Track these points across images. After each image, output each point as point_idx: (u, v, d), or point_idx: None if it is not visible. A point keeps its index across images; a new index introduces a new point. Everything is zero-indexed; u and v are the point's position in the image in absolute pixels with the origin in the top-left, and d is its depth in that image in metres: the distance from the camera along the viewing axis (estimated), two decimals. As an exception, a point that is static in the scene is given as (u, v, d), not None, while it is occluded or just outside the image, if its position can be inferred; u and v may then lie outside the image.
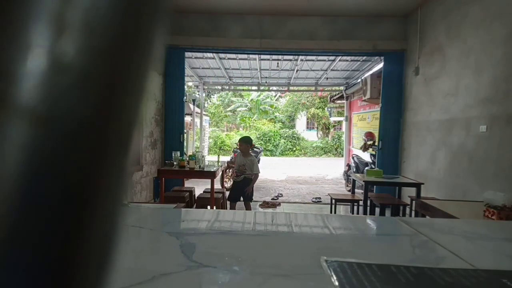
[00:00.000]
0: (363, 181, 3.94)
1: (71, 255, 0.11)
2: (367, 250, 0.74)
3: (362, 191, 4.04)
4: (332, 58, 6.61)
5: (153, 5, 0.12)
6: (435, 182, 4.18)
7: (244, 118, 18.74)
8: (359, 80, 7.96)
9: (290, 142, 17.77)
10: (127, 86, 0.12)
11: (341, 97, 10.54)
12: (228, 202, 4.21)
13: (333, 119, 17.46)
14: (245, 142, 4.14)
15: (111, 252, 0.12)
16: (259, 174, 4.18)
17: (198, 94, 10.29)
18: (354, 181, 4.85)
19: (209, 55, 6.61)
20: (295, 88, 10.96)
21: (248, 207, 4.11)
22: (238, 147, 4.24)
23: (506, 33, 3.03)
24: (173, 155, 4.36)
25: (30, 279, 0.10)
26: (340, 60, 6.86)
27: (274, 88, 12.19)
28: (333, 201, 4.39)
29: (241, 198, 4.11)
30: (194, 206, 4.23)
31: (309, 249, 0.72)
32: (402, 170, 5.18)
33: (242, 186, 4.08)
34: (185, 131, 5.75)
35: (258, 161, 8.17)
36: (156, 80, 5.12)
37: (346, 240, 0.82)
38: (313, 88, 10.97)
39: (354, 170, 6.98)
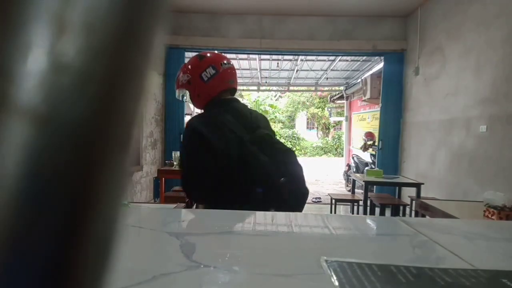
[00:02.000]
0: (363, 181, 3.94)
1: (70, 255, 0.11)
2: (367, 250, 0.74)
3: (362, 191, 4.04)
4: (332, 58, 6.61)
5: (153, 5, 0.12)
6: (435, 182, 4.18)
7: (244, 118, 18.70)
8: (359, 80, 7.96)
9: (290, 142, 17.77)
10: (127, 86, 0.12)
11: (341, 97, 10.55)
12: None
13: (333, 119, 17.47)
14: None
15: (111, 252, 0.12)
16: None
17: (198, 94, 10.27)
18: (354, 181, 4.86)
19: (209, 55, 6.60)
20: (295, 88, 10.96)
21: None
22: None
23: (506, 33, 3.03)
24: (173, 155, 4.36)
25: (30, 280, 0.10)
26: (340, 60, 6.86)
27: (274, 88, 12.19)
28: (333, 201, 4.39)
29: None
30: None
31: (309, 249, 0.72)
32: (402, 170, 5.18)
33: None
34: (185, 131, 5.75)
35: None
36: (156, 80, 5.12)
37: (346, 240, 0.82)
38: (313, 88, 10.97)
39: (354, 170, 6.98)
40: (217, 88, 1.36)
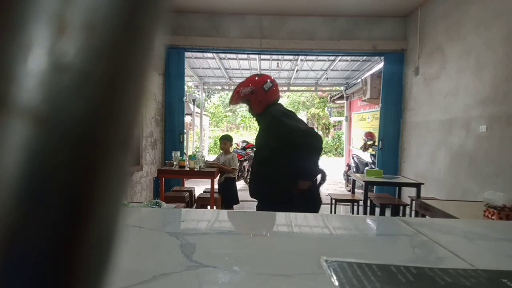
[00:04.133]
0: (363, 181, 3.94)
1: (71, 256, 0.11)
2: (367, 250, 0.74)
3: (362, 191, 4.04)
4: (332, 58, 6.61)
5: (153, 5, 0.12)
6: (435, 182, 4.18)
7: (244, 118, 18.74)
8: (359, 80, 7.96)
9: (290, 142, 17.73)
10: (127, 86, 0.12)
11: (341, 97, 10.54)
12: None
13: (333, 119, 17.46)
14: (226, 140, 4.21)
15: (111, 252, 0.12)
16: (236, 170, 4.32)
17: (198, 94, 10.29)
18: (354, 181, 4.85)
19: (209, 55, 6.61)
20: (295, 88, 10.95)
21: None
22: (221, 145, 4.32)
23: (506, 33, 3.03)
24: (173, 155, 4.36)
25: (30, 280, 0.10)
26: (340, 60, 6.86)
27: (274, 88, 12.17)
28: (333, 201, 4.39)
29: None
30: (194, 206, 4.23)
31: (309, 249, 0.72)
32: (402, 170, 5.18)
33: (224, 189, 4.11)
34: (185, 131, 5.75)
35: None
36: (156, 80, 5.12)
37: (346, 240, 0.82)
38: (313, 88, 10.96)
39: (354, 170, 6.98)
40: (273, 97, 1.98)
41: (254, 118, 2.09)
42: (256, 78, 2.00)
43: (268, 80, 1.98)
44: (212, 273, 0.56)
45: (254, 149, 2.14)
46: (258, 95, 1.93)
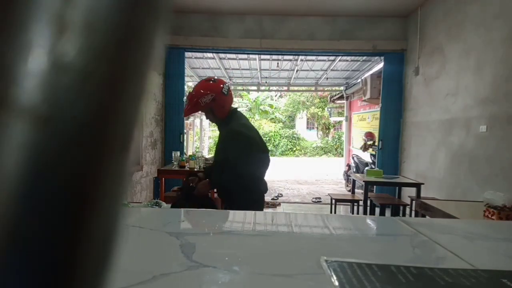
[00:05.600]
0: (363, 181, 3.94)
1: (71, 255, 0.11)
2: (367, 250, 0.74)
3: (362, 191, 4.04)
4: (332, 58, 6.61)
5: (153, 5, 0.12)
6: (435, 182, 4.18)
7: (244, 118, 18.72)
8: (359, 80, 7.96)
9: (290, 142, 17.77)
10: (127, 86, 0.12)
11: (341, 97, 10.54)
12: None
13: (333, 119, 17.47)
14: None
15: (111, 252, 0.12)
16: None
17: (198, 94, 10.27)
18: (354, 181, 4.86)
19: (209, 55, 6.60)
20: (295, 88, 10.95)
21: None
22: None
23: (506, 33, 3.03)
24: (173, 155, 4.36)
25: (30, 280, 0.10)
26: (340, 60, 6.85)
27: (274, 88, 12.19)
28: (333, 201, 4.39)
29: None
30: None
31: (309, 249, 0.72)
32: (402, 170, 5.18)
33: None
34: (185, 131, 5.75)
35: None
36: (156, 80, 5.11)
37: (346, 240, 0.82)
38: (313, 88, 10.96)
39: (354, 170, 6.98)
40: (232, 99, 1.96)
41: (215, 125, 2.02)
42: (211, 83, 1.91)
43: (223, 84, 1.92)
44: (212, 273, 0.56)
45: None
46: (220, 101, 1.86)
